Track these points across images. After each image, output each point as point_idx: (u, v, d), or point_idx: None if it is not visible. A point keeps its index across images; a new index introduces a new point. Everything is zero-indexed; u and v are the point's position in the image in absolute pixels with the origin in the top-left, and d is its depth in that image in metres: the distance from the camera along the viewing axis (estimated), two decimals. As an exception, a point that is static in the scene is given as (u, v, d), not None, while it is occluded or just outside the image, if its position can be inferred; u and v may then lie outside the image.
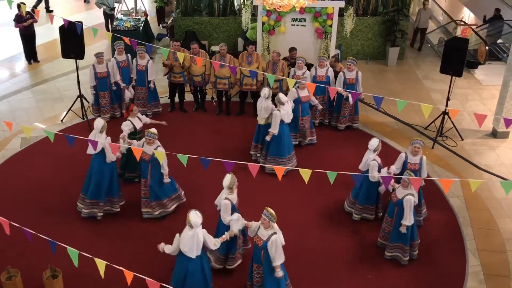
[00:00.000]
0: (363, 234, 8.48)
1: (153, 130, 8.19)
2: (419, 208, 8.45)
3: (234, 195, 7.40)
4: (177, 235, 6.70)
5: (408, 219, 7.54)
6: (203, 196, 9.15)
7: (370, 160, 8.22)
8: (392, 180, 7.75)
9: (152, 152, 7.82)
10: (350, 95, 10.43)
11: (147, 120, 9.47)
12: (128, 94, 11.17)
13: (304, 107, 10.21)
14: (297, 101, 10.02)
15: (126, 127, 8.98)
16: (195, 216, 6.58)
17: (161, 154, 7.18)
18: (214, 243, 6.82)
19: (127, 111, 9.19)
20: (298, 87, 9.99)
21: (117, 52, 11.02)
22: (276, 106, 9.49)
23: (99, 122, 8.31)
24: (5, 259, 7.68)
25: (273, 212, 6.60)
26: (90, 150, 8.18)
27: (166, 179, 8.38)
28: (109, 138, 8.23)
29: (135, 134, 9.13)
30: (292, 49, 11.44)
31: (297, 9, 8.41)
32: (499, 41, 15.58)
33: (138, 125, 9.17)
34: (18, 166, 9.96)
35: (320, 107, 10.57)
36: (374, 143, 8.27)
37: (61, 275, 7.21)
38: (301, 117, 10.23)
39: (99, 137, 8.18)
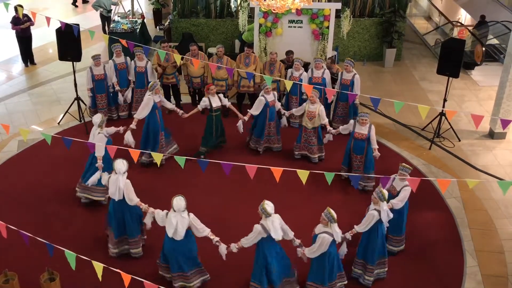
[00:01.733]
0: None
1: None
2: (398, 237, 7.97)
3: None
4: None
5: (311, 252, 6.90)
6: (200, 197, 9.15)
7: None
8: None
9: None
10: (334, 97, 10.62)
11: (227, 103, 9.94)
12: (121, 97, 11.13)
13: (357, 144, 9.21)
14: (351, 135, 9.33)
15: (202, 103, 9.73)
16: (119, 163, 7.37)
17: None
18: (129, 197, 7.36)
19: (206, 89, 9.82)
20: (358, 121, 9.15)
21: (115, 54, 11.01)
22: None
23: (97, 117, 8.55)
24: (2, 262, 7.66)
25: (333, 213, 6.76)
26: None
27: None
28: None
29: (211, 112, 9.77)
30: (289, 52, 11.44)
31: (293, 11, 8.43)
32: (495, 42, 15.63)
33: (216, 103, 9.70)
34: (15, 169, 9.94)
35: (377, 154, 9.10)
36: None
37: (58, 278, 7.19)
38: (354, 153, 9.36)
39: (96, 131, 8.48)
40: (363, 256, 7.48)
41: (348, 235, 7.17)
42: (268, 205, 6.80)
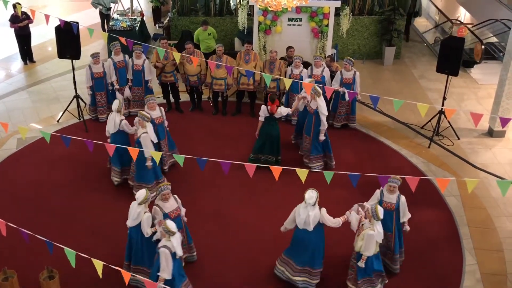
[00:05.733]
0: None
1: (145, 112, 8.85)
2: (395, 256, 7.69)
3: None
4: None
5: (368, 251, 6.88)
6: (199, 196, 9.16)
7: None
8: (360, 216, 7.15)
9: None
10: (346, 92, 10.41)
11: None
12: (120, 96, 11.10)
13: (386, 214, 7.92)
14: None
15: None
16: (115, 102, 8.79)
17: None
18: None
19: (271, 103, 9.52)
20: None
21: (114, 52, 10.99)
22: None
23: (115, 103, 9.03)
24: (1, 260, 7.66)
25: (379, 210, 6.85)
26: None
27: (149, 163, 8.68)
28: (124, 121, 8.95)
29: None
30: (289, 47, 11.45)
31: (289, 9, 8.37)
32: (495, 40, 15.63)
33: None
34: (14, 166, 9.94)
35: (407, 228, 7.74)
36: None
37: (58, 276, 7.19)
38: None
39: (117, 117, 8.93)
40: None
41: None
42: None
